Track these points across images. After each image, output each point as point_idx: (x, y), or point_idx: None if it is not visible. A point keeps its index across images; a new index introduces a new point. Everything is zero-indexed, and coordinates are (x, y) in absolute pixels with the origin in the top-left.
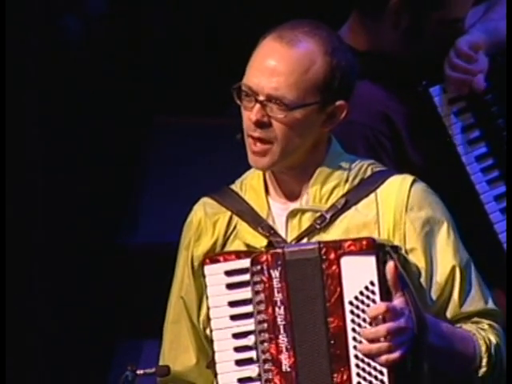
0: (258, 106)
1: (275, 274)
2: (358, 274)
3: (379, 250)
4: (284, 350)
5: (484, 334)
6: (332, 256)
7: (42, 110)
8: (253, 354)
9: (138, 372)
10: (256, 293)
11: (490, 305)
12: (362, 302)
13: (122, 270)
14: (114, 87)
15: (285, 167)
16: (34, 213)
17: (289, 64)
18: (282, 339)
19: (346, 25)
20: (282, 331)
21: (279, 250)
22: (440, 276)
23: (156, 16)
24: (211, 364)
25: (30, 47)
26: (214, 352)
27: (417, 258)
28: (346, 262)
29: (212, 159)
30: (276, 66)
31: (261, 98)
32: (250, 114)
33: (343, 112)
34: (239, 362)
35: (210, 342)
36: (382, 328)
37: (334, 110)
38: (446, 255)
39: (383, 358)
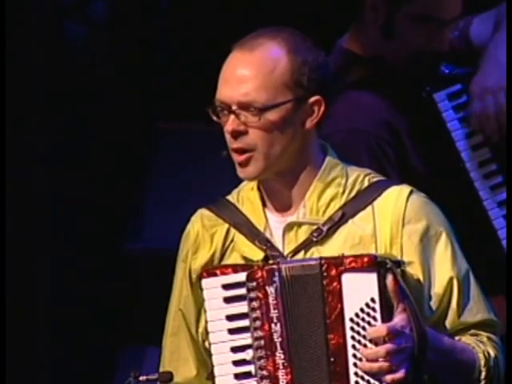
0: (232, 116)
1: (271, 290)
2: (358, 291)
3: (380, 266)
4: (281, 366)
5: (483, 348)
6: (333, 272)
7: (44, 115)
8: (251, 368)
9: (141, 378)
10: (252, 309)
11: (490, 316)
12: (363, 319)
13: (126, 275)
14: (115, 94)
15: (274, 174)
16: (35, 219)
17: (253, 68)
18: (279, 356)
19: (348, 32)
20: (278, 348)
21: (274, 266)
22: (438, 287)
23: (157, 23)
24: (211, 377)
25: (32, 53)
26: (213, 366)
27: (415, 271)
28: (347, 278)
29: (214, 166)
30: (241, 72)
31: (233, 107)
32: (226, 127)
33: (321, 107)
34: (238, 376)
35: (209, 355)
36: (382, 349)
37: (311, 107)
38: (443, 267)
39: (388, 377)
